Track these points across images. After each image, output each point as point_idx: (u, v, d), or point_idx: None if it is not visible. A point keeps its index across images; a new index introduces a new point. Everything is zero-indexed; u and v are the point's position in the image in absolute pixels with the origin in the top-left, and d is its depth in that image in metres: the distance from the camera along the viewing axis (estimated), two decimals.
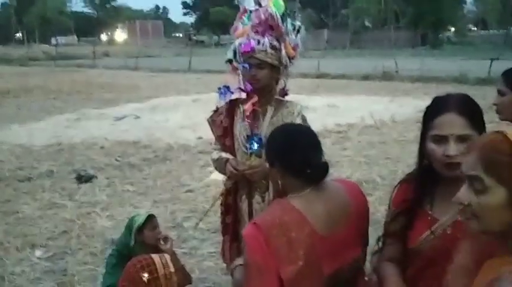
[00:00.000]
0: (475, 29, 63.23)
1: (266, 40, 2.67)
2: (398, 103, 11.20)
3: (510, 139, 1.06)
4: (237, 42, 2.76)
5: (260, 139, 2.68)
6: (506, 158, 1.04)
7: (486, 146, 1.10)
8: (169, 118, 10.30)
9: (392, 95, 12.43)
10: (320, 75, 17.97)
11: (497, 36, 43.39)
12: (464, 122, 1.54)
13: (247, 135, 2.73)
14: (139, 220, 2.98)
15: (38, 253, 4.71)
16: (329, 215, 1.69)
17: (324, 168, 1.67)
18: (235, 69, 2.81)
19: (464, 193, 1.12)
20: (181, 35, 78.28)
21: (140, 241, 2.94)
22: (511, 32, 40.23)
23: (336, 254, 1.70)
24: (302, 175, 1.68)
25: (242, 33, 2.77)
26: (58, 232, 5.03)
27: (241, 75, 2.79)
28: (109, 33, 74.13)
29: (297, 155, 1.69)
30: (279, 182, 1.75)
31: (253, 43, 2.67)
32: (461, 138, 1.54)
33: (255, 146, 2.66)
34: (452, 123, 1.57)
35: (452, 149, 1.54)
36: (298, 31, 2.85)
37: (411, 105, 10.62)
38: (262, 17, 2.68)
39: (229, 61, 2.83)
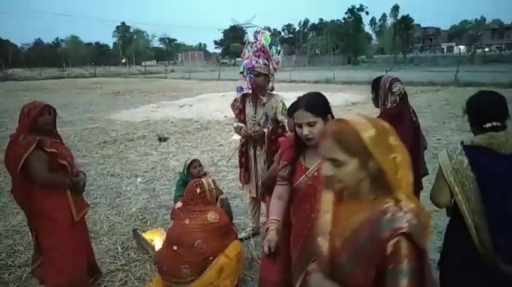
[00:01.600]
0: (376, 55, 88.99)
1: (261, 61, 3.73)
2: (335, 96, 16.24)
3: (351, 123, 1.31)
4: (245, 62, 3.83)
5: (265, 117, 3.78)
6: (352, 138, 1.29)
7: (336, 132, 1.33)
8: (208, 105, 14.82)
9: (330, 92, 17.56)
10: (291, 81, 27.52)
11: (389, 58, 68.30)
12: (309, 114, 2.01)
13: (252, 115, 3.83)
14: (187, 162, 4.13)
15: (139, 179, 6.32)
16: None
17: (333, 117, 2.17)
18: (244, 77, 3.84)
19: (327, 168, 1.36)
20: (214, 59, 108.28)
21: (189, 174, 4.04)
22: (397, 57, 66.66)
23: None
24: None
25: (248, 57, 3.83)
26: (149, 168, 6.90)
27: (248, 81, 3.80)
28: (173, 59, 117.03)
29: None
30: (291, 124, 2.62)
31: (253, 62, 3.70)
32: (309, 124, 2.02)
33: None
34: (302, 116, 2.04)
35: (305, 131, 2.02)
36: (278, 53, 3.91)
37: (342, 98, 16.20)
38: (258, 46, 3.79)
39: (241, 73, 3.89)
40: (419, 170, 2.99)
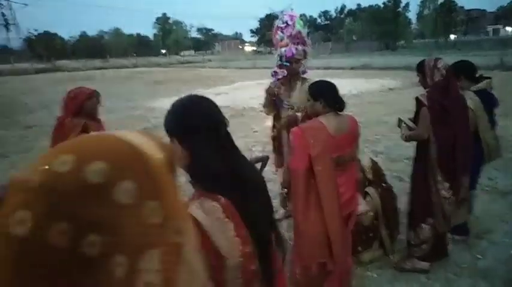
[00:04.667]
0: (415, 40, 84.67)
1: (299, 47, 3.73)
2: (371, 82, 16.59)
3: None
4: (283, 50, 3.76)
5: (288, 102, 3.84)
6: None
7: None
8: (243, 93, 15.25)
9: (367, 77, 17.92)
10: (327, 68, 26.70)
11: (429, 43, 64.53)
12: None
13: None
14: None
15: None
16: (338, 126, 2.45)
17: (343, 103, 2.51)
18: (281, 65, 3.86)
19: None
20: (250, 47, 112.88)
21: None
22: (438, 41, 64.15)
23: (340, 146, 2.46)
24: (332, 105, 2.50)
25: (285, 44, 3.77)
26: None
27: (284, 68, 3.85)
28: (211, 48, 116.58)
29: (334, 95, 2.53)
30: (318, 108, 2.52)
31: (293, 50, 3.70)
32: None
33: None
34: None
35: None
36: (307, 35, 3.91)
37: (378, 83, 16.35)
38: (294, 32, 3.72)
39: (280, 61, 3.85)
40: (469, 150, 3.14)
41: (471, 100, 3.30)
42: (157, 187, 0.59)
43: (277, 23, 3.86)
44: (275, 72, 3.96)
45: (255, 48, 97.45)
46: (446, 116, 3.01)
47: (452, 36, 70.84)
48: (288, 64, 3.74)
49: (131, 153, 0.59)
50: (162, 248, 0.58)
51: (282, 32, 3.80)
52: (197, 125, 1.28)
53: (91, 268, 0.54)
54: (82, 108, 3.08)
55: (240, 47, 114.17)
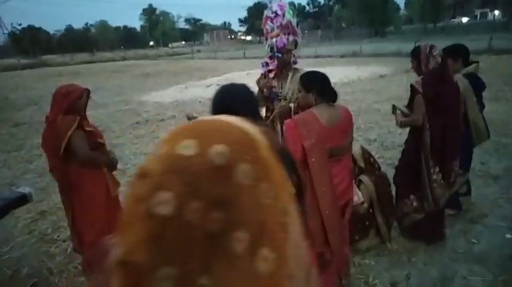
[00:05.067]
0: (405, 25, 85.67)
1: (290, 37, 3.69)
2: (362, 69, 16.61)
3: None
4: (273, 40, 3.71)
5: (280, 93, 3.77)
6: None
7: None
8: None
9: (358, 65, 17.93)
10: (317, 56, 26.39)
11: (418, 28, 65.25)
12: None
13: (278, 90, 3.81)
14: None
15: None
16: (330, 117, 2.46)
17: (336, 95, 2.52)
18: (272, 56, 3.83)
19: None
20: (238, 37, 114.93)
21: None
22: (427, 26, 63.62)
23: (333, 137, 2.48)
24: (324, 97, 2.49)
25: (276, 35, 3.72)
26: None
27: (275, 58, 3.81)
28: (199, 39, 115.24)
29: (326, 86, 2.52)
30: (310, 99, 2.52)
31: (284, 41, 3.67)
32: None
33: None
34: None
35: None
36: (297, 25, 3.84)
37: (369, 71, 16.22)
38: (284, 22, 3.67)
39: (271, 52, 3.79)
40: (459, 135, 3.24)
41: (460, 83, 3.36)
42: (266, 169, 0.65)
43: (266, 13, 3.80)
44: (266, 63, 3.91)
45: (250, 38, 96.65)
46: (440, 104, 3.05)
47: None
48: (280, 55, 3.71)
49: (245, 138, 0.66)
50: (274, 226, 0.63)
51: (272, 22, 3.75)
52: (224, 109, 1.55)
53: (216, 245, 0.59)
54: (74, 106, 3.04)
55: (232, 36, 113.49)
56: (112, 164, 3.29)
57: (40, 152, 6.56)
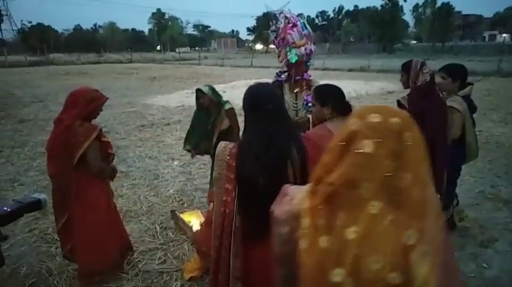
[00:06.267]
0: (415, 42, 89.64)
1: (313, 46, 3.77)
2: (370, 84, 16.62)
3: None
4: (302, 49, 3.68)
5: (305, 104, 3.69)
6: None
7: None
8: (241, 92, 13.64)
9: (366, 80, 17.88)
10: (324, 69, 26.01)
11: (426, 47, 66.79)
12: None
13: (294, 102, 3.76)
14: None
15: (175, 162, 6.60)
16: None
17: (350, 108, 2.43)
18: (290, 65, 3.73)
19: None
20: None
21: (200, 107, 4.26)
22: (435, 45, 64.41)
23: None
24: (340, 111, 2.44)
25: (303, 44, 3.70)
26: (185, 152, 6.08)
27: (294, 67, 3.72)
28: (207, 45, 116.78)
29: (341, 100, 2.48)
30: (325, 113, 2.46)
31: (313, 48, 3.75)
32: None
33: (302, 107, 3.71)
34: None
35: None
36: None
37: (376, 86, 16.31)
38: (306, 33, 3.72)
39: (296, 62, 3.71)
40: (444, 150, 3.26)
41: (460, 105, 3.46)
42: (419, 139, 1.04)
43: (280, 23, 3.77)
44: (280, 71, 3.86)
45: (259, 47, 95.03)
46: (426, 119, 2.99)
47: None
48: (312, 64, 3.79)
49: (408, 116, 1.05)
50: (424, 173, 1.03)
51: (293, 31, 3.71)
52: (246, 106, 2.04)
53: (388, 181, 0.98)
54: (94, 113, 3.00)
55: (250, 45, 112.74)
56: (114, 175, 3.31)
57: (44, 150, 6.52)
